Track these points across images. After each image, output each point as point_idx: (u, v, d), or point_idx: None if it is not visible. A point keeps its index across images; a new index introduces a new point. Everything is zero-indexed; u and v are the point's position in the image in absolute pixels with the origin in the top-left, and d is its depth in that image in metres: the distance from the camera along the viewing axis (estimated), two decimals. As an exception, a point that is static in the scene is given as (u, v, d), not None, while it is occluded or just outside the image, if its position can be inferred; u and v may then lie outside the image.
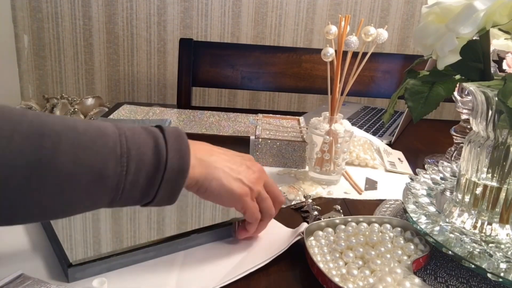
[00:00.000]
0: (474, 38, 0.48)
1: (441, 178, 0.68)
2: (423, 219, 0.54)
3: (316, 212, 0.65)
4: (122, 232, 0.55)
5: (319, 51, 0.73)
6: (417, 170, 0.68)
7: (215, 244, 0.55)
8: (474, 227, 0.55)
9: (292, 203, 0.68)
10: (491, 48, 0.51)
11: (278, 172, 0.80)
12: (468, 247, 0.49)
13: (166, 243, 0.52)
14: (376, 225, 0.57)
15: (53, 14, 1.61)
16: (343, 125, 0.74)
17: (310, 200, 0.68)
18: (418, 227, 0.53)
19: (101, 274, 0.48)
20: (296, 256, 0.54)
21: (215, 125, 1.05)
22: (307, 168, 0.80)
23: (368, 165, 0.85)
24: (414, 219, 0.54)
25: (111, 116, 1.07)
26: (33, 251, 0.51)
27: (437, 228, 0.52)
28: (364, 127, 1.08)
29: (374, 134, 1.03)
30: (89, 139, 0.39)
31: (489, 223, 0.54)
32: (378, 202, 0.71)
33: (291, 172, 0.80)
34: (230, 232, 0.56)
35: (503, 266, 0.46)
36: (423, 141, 1.06)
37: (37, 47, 1.65)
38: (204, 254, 0.53)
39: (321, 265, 0.49)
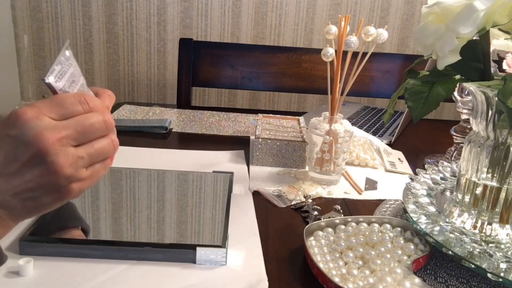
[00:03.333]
0: (474, 38, 0.48)
1: (441, 178, 0.68)
2: (423, 219, 0.54)
3: (316, 212, 0.65)
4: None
5: (319, 51, 0.73)
6: (417, 170, 0.68)
7: (170, 265, 0.50)
8: (474, 227, 0.55)
9: (292, 203, 0.68)
10: (491, 48, 0.51)
11: (278, 172, 0.80)
12: (468, 247, 0.49)
13: (116, 246, 0.51)
14: (376, 225, 0.57)
15: (53, 14, 1.61)
16: (343, 125, 0.74)
17: (310, 200, 0.68)
18: (418, 227, 0.53)
19: (49, 256, 0.49)
20: (296, 256, 0.54)
21: (215, 125, 1.05)
22: (307, 168, 0.80)
23: (368, 165, 0.85)
24: (414, 219, 0.54)
25: (111, 116, 1.07)
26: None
27: (437, 228, 0.52)
28: (364, 127, 1.08)
29: (374, 134, 1.03)
30: None
31: (489, 223, 0.54)
32: (378, 202, 0.71)
33: (291, 172, 0.80)
34: (192, 257, 0.51)
35: (503, 266, 0.46)
36: (423, 141, 1.06)
37: (37, 47, 1.65)
38: (150, 272, 0.49)
39: (321, 265, 0.49)
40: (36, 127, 0.35)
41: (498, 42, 0.53)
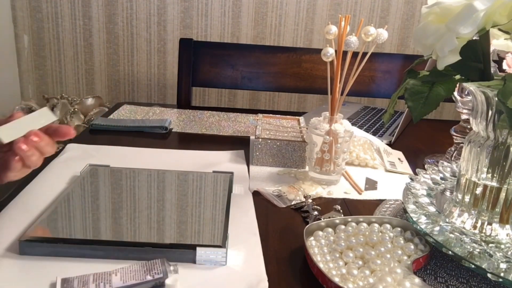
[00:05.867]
0: (474, 38, 0.48)
1: (441, 178, 0.68)
2: (423, 219, 0.54)
3: (316, 212, 0.65)
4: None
5: (319, 51, 0.73)
6: (417, 170, 0.68)
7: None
8: (474, 227, 0.55)
9: (292, 203, 0.68)
10: (491, 48, 0.51)
11: (278, 172, 0.80)
12: (468, 247, 0.49)
13: (116, 246, 0.51)
14: (376, 225, 0.57)
15: (53, 14, 1.61)
16: (343, 125, 0.74)
17: (310, 200, 0.68)
18: (418, 227, 0.53)
19: (50, 256, 0.50)
20: (296, 256, 0.54)
21: (215, 125, 1.05)
22: (307, 168, 0.80)
23: (368, 165, 0.85)
24: (414, 219, 0.54)
25: (111, 116, 1.07)
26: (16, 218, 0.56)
27: (437, 228, 0.52)
28: (364, 127, 1.08)
29: (374, 134, 1.03)
30: None
31: (489, 223, 0.54)
32: (378, 202, 0.71)
33: (291, 172, 0.80)
34: (192, 257, 0.51)
35: (503, 266, 0.46)
36: (423, 141, 1.06)
37: (37, 47, 1.65)
38: None
39: (321, 265, 0.49)
40: None
41: (498, 42, 0.53)
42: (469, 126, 0.82)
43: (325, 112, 0.76)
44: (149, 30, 1.65)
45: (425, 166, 0.71)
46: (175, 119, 1.08)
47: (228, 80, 1.33)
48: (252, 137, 0.94)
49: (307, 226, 0.55)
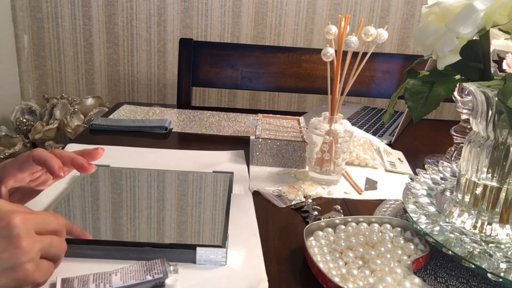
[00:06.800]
0: (474, 38, 0.48)
1: (441, 178, 0.68)
2: (423, 219, 0.54)
3: (316, 212, 0.65)
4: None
5: (319, 51, 0.73)
6: (417, 170, 0.68)
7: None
8: (474, 227, 0.55)
9: (292, 203, 0.68)
10: (491, 48, 0.51)
11: (278, 172, 0.80)
12: (468, 247, 0.49)
13: (116, 246, 0.50)
14: (376, 225, 0.57)
15: (53, 14, 1.61)
16: (343, 125, 0.74)
17: (310, 200, 0.68)
18: (418, 227, 0.53)
19: None
20: (296, 256, 0.54)
21: (215, 125, 1.05)
22: (307, 168, 0.80)
23: (368, 165, 0.85)
24: (414, 219, 0.54)
25: (111, 116, 1.07)
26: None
27: (437, 228, 0.52)
28: (364, 127, 1.08)
29: (374, 134, 1.03)
30: None
31: (489, 223, 0.54)
32: (378, 202, 0.71)
33: (291, 172, 0.80)
34: (192, 257, 0.51)
35: (503, 266, 0.46)
36: (423, 141, 1.06)
37: (37, 47, 1.65)
38: None
39: (321, 265, 0.49)
40: (10, 206, 0.41)
41: (498, 42, 0.53)
42: (469, 126, 0.82)
43: (325, 112, 0.76)
44: (149, 30, 1.65)
45: (425, 166, 0.71)
46: (175, 119, 1.08)
47: (228, 80, 1.33)
48: (252, 137, 0.94)
49: (307, 226, 0.55)
